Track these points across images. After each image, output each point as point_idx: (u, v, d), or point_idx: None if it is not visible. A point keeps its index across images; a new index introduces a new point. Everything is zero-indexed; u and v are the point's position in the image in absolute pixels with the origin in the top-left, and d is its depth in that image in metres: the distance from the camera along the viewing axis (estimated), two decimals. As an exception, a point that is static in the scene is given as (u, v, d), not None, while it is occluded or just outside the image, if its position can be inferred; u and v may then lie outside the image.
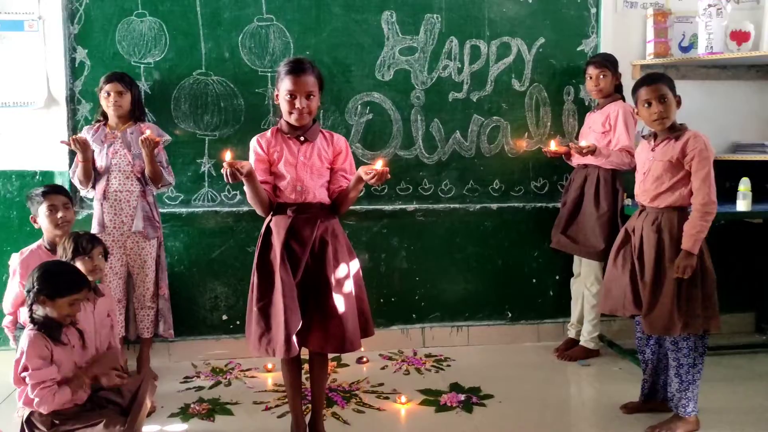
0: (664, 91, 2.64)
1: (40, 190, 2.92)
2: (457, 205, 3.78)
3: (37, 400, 2.37)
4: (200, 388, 3.19)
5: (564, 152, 3.48)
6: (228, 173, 2.24)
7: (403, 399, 2.99)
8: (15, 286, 2.95)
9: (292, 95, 2.40)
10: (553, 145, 3.45)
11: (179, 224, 3.56)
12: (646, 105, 2.67)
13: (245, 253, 3.61)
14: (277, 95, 2.48)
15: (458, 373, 3.36)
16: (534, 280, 3.89)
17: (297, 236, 2.44)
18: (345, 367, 3.45)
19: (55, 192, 2.93)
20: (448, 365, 3.50)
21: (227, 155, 2.25)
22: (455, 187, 3.78)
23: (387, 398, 3.04)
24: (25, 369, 2.37)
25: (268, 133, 2.53)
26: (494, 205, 3.80)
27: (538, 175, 3.83)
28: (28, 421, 2.41)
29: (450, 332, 3.83)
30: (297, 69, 2.40)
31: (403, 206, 3.74)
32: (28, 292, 2.41)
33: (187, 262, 3.59)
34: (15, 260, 2.92)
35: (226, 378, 3.32)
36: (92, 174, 3.18)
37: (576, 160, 3.54)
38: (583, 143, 3.29)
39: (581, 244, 3.45)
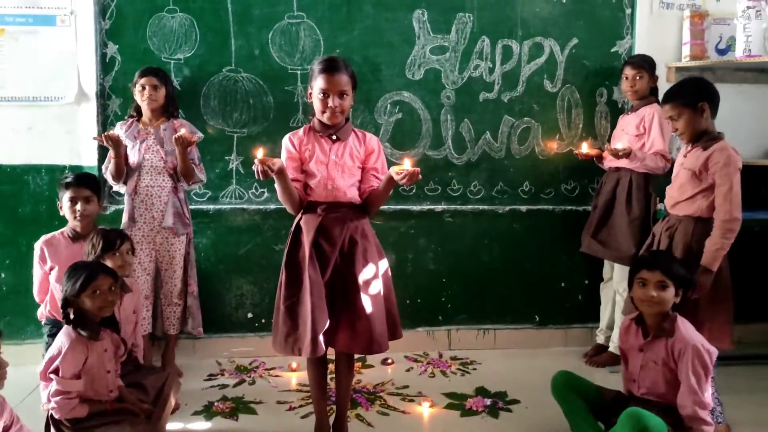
0: (672, 112, 2.62)
1: (67, 179, 2.97)
2: (485, 207, 3.72)
3: (54, 405, 2.37)
4: (224, 386, 3.18)
5: (596, 155, 3.42)
6: (259, 170, 2.23)
7: (428, 403, 2.94)
8: (37, 270, 2.99)
9: (326, 94, 2.37)
10: (585, 148, 3.39)
11: (206, 221, 3.55)
12: (668, 121, 2.69)
13: (272, 251, 3.60)
14: (310, 93, 2.46)
15: (484, 377, 3.31)
16: (563, 284, 3.82)
17: (326, 235, 2.41)
18: (370, 368, 3.42)
19: (78, 184, 2.94)
20: (474, 369, 3.45)
21: (259, 152, 2.24)
22: (484, 189, 3.73)
23: (412, 401, 3.00)
24: (56, 371, 2.38)
25: (301, 131, 2.50)
26: (523, 208, 3.74)
27: (569, 178, 3.76)
28: (53, 416, 2.42)
29: (476, 335, 3.78)
30: (331, 67, 2.37)
31: (432, 207, 3.69)
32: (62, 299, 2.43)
33: (214, 259, 3.59)
34: (38, 243, 2.99)
35: (250, 376, 3.31)
36: (124, 170, 3.19)
37: (608, 163, 3.47)
38: (618, 146, 3.22)
39: (612, 249, 3.37)
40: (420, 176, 2.26)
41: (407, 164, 2.25)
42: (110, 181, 3.22)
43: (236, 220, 3.58)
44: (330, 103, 2.37)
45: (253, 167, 2.25)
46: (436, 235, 3.72)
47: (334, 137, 2.46)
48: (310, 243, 2.40)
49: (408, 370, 3.41)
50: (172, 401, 2.72)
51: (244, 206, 3.57)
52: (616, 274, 3.46)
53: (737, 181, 2.54)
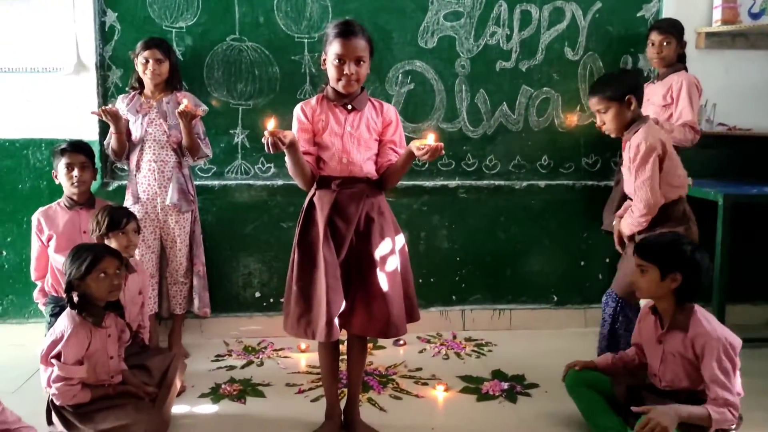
0: (599, 106, 2.57)
1: (62, 145, 2.91)
2: (502, 182, 3.57)
3: (55, 391, 2.28)
4: (232, 367, 3.08)
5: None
6: (269, 143, 2.07)
7: (442, 386, 2.82)
8: (35, 243, 2.92)
9: (341, 59, 2.20)
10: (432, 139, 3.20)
11: (211, 197, 3.42)
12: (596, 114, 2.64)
13: (279, 228, 3.47)
14: (324, 59, 2.29)
15: (500, 360, 3.18)
16: (582, 263, 3.66)
17: (341, 212, 2.28)
18: (381, 350, 3.30)
19: (75, 150, 2.90)
20: (490, 350, 3.32)
21: (270, 123, 2.08)
22: (501, 163, 3.57)
23: (425, 384, 2.88)
24: (58, 356, 2.28)
25: (313, 100, 2.34)
26: (542, 183, 3.59)
27: (590, 152, 3.58)
28: (54, 401, 2.32)
29: (491, 315, 3.65)
30: (347, 31, 2.20)
31: (445, 182, 3.54)
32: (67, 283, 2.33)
33: (220, 237, 3.46)
34: (35, 216, 2.95)
35: (258, 357, 3.20)
36: (126, 145, 3.06)
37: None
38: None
39: None
40: (443, 152, 2.12)
41: (431, 139, 2.09)
42: (113, 156, 3.10)
43: (242, 197, 3.45)
44: (346, 70, 2.20)
45: (262, 139, 2.09)
46: (450, 211, 3.58)
47: (349, 107, 2.30)
48: (324, 221, 2.26)
49: (421, 352, 3.29)
50: (178, 383, 2.63)
51: (251, 182, 3.44)
52: None
53: (649, 168, 2.49)
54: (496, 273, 3.64)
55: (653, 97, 3.24)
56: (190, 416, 2.59)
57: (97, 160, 3.12)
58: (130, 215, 2.69)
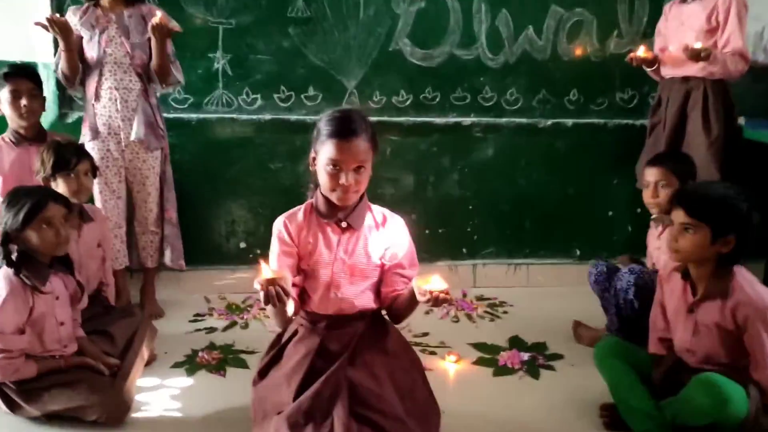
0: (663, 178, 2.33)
1: (4, 70, 2.45)
2: (523, 120, 3.11)
3: None
4: (212, 329, 2.69)
5: (652, 59, 2.74)
6: (271, 294, 1.53)
7: (454, 357, 2.44)
8: None
9: (336, 166, 1.69)
10: (642, 51, 2.71)
11: (188, 133, 2.96)
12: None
13: (267, 170, 3.04)
14: (313, 158, 1.76)
15: (518, 323, 2.80)
16: (610, 213, 3.24)
17: (325, 353, 1.79)
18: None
19: (19, 75, 2.45)
20: (505, 312, 2.94)
21: (265, 269, 1.57)
22: (523, 98, 3.09)
23: (434, 353, 2.49)
24: None
25: (299, 214, 1.82)
26: (569, 121, 3.13)
27: (627, 85, 3.11)
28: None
29: (506, 271, 3.25)
30: (345, 131, 1.67)
31: (459, 119, 3.08)
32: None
33: (198, 179, 3.02)
34: None
35: (242, 318, 2.81)
36: (79, 67, 2.58)
37: (669, 71, 2.78)
38: (697, 45, 2.55)
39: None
40: (450, 297, 1.58)
41: (436, 282, 1.59)
42: (63, 81, 2.62)
43: (224, 132, 2.99)
44: (342, 179, 1.68)
45: (257, 286, 1.55)
46: (463, 153, 3.13)
47: (343, 224, 1.80)
48: (305, 367, 1.76)
49: (427, 313, 2.87)
50: (146, 353, 2.25)
51: (234, 115, 2.97)
52: None
53: None
54: (513, 223, 3.23)
55: (690, 20, 2.71)
56: (157, 391, 2.21)
57: (53, 86, 2.66)
58: (81, 153, 2.25)
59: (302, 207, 1.82)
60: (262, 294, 1.54)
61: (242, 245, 3.10)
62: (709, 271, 1.81)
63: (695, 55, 2.52)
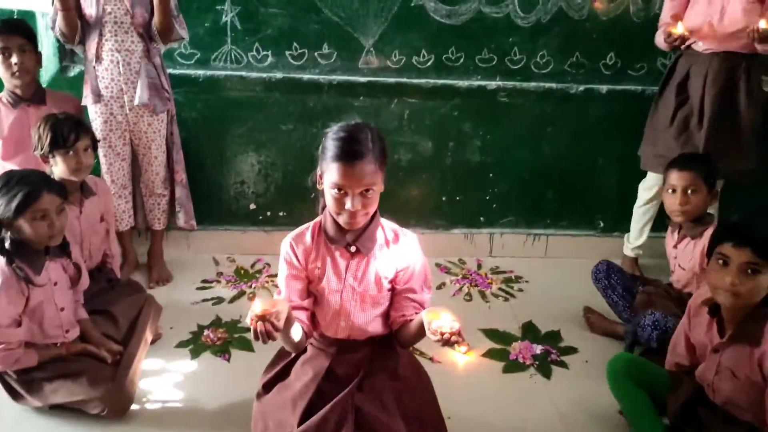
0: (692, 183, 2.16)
1: None
2: (554, 85, 2.88)
3: None
4: (219, 300, 2.65)
5: (688, 37, 2.46)
6: (260, 331, 1.42)
7: (464, 348, 2.36)
8: None
9: (341, 190, 1.52)
10: (681, 27, 2.42)
11: (195, 90, 2.80)
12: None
13: (277, 130, 2.89)
14: (320, 176, 1.59)
15: (533, 304, 2.71)
16: (637, 185, 3.05)
17: (333, 377, 1.71)
18: (394, 282, 2.84)
19: (8, 30, 2.31)
20: (520, 290, 2.84)
21: (256, 304, 1.44)
22: (554, 60, 2.85)
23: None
24: None
25: (307, 235, 1.68)
26: (604, 87, 2.89)
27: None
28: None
29: (524, 241, 3.13)
30: (351, 153, 1.51)
31: (483, 83, 2.86)
32: None
33: (206, 138, 2.89)
34: None
35: (251, 286, 2.76)
36: (77, 24, 2.41)
37: (708, 45, 2.49)
38: (762, 24, 2.27)
39: (728, 161, 2.49)
40: (462, 340, 1.45)
41: (446, 321, 1.45)
42: (62, 39, 2.45)
43: (233, 91, 2.82)
44: (348, 204, 1.53)
45: (249, 323, 1.43)
46: (486, 118, 2.93)
47: (352, 249, 1.64)
48: (311, 392, 1.69)
49: (439, 288, 2.81)
50: (149, 336, 2.21)
51: (243, 73, 2.79)
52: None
53: None
54: (534, 193, 3.07)
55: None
56: (161, 377, 2.19)
57: (53, 36, 2.50)
58: (80, 128, 2.13)
59: (310, 226, 1.69)
60: (254, 329, 1.44)
61: (252, 206, 3.00)
62: (745, 312, 1.64)
63: (764, 37, 2.26)
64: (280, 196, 2.97)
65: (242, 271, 2.88)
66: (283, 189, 2.96)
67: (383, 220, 1.70)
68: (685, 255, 2.25)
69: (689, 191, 2.18)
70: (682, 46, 2.52)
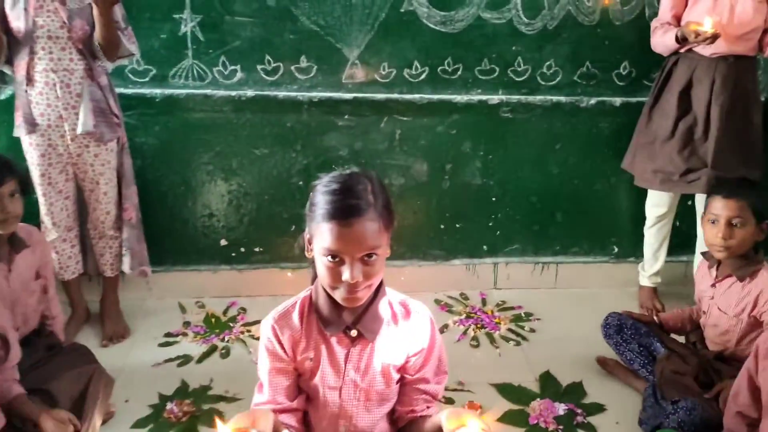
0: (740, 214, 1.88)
1: None
2: (562, 98, 2.56)
3: None
4: (185, 359, 2.26)
5: (719, 35, 2.15)
6: None
7: (476, 410, 2.03)
8: None
9: (336, 256, 1.17)
10: (709, 24, 2.11)
11: (151, 112, 2.42)
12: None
13: (250, 156, 2.52)
14: (308, 241, 1.23)
15: (547, 347, 2.38)
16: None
17: None
18: (388, 326, 2.48)
19: None
20: (532, 329, 2.51)
21: (221, 428, 1.07)
22: (563, 71, 2.53)
23: (450, 401, 2.08)
24: None
25: (294, 316, 1.31)
26: (617, 100, 2.58)
27: (690, 56, 2.51)
28: None
29: (532, 270, 2.80)
30: (346, 211, 1.16)
31: (483, 97, 2.53)
32: None
33: (166, 166, 2.51)
34: None
35: (223, 338, 2.38)
36: (3, 40, 2.01)
37: (714, 50, 2.22)
38: None
39: (741, 173, 2.29)
40: None
41: (473, 430, 1.09)
42: (-14, 58, 2.05)
43: (197, 112, 2.45)
44: (346, 275, 1.17)
45: None
46: (488, 136, 2.60)
47: (353, 333, 1.28)
48: None
49: (442, 331, 2.47)
50: (98, 419, 1.82)
51: (207, 91, 2.42)
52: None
53: None
54: (542, 217, 2.75)
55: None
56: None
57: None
58: (5, 171, 1.73)
59: (298, 303, 1.32)
60: None
61: (223, 242, 2.63)
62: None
63: None
64: (255, 230, 2.60)
65: (213, 319, 2.50)
66: (257, 221, 2.59)
67: (389, 290, 1.34)
68: (728, 298, 1.93)
69: (734, 223, 1.87)
70: (682, 50, 2.27)
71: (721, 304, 1.95)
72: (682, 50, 2.28)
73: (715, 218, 1.90)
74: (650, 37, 2.36)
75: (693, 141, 2.32)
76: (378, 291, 1.28)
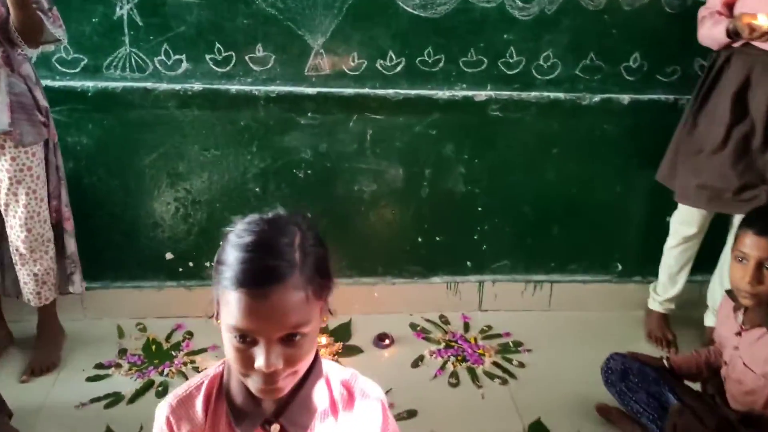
0: None
1: None
2: (561, 95, 2.22)
3: None
4: (115, 399, 1.95)
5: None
6: None
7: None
8: None
9: (246, 337, 0.85)
10: (765, 20, 1.76)
11: (83, 108, 2.09)
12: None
13: (199, 158, 2.20)
14: (217, 312, 0.89)
15: (538, 387, 2.07)
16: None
17: None
18: (355, 356, 2.16)
19: None
20: (521, 364, 2.18)
21: None
22: (562, 63, 2.19)
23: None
24: None
25: (198, 403, 0.97)
26: (625, 97, 2.24)
27: (708, 49, 2.14)
28: None
29: (522, 290, 2.48)
30: (261, 276, 0.83)
31: (470, 93, 2.19)
32: None
33: (102, 170, 2.18)
34: None
35: (161, 371, 2.06)
36: None
37: None
38: None
39: None
40: None
41: None
42: None
43: (136, 108, 2.11)
44: (260, 362, 0.85)
45: None
46: (474, 138, 2.27)
47: (275, 429, 0.95)
48: None
49: (416, 366, 2.15)
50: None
51: (148, 84, 2.08)
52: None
53: None
54: (535, 230, 2.42)
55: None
56: None
57: None
58: None
59: (204, 384, 0.98)
60: None
61: (168, 256, 2.30)
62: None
63: None
64: (205, 242, 2.28)
65: (153, 346, 2.18)
66: (208, 232, 2.26)
67: (328, 367, 1.01)
68: (756, 352, 1.60)
69: (767, 266, 1.53)
70: (736, 44, 1.90)
71: (747, 358, 1.62)
72: (735, 45, 1.91)
73: (743, 257, 1.56)
74: (697, 27, 1.98)
75: (750, 152, 1.95)
76: (311, 370, 0.95)
